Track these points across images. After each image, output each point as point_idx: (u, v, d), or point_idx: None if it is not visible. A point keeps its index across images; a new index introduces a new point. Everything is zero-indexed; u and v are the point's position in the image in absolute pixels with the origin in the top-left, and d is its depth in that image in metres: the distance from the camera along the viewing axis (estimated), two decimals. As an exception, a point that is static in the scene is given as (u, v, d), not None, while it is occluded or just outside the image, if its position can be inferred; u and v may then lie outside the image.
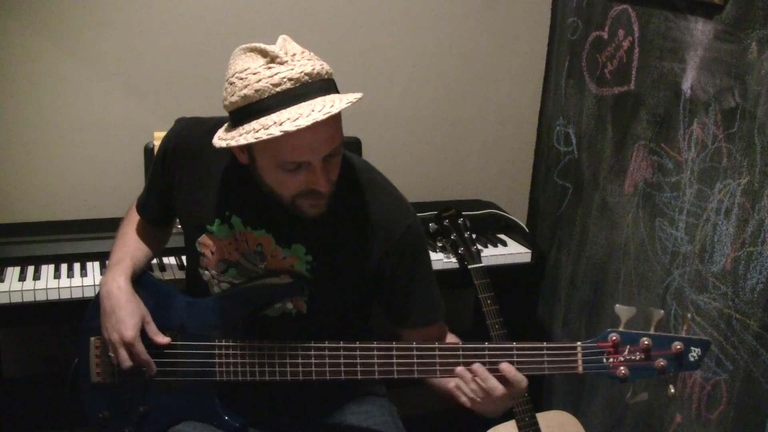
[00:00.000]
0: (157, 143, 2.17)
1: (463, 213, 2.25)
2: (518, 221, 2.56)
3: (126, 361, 1.53)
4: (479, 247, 2.23)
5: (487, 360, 1.44)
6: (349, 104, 1.31)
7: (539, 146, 2.75)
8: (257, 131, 1.29)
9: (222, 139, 1.36)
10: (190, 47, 2.28)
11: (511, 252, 2.39)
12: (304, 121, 1.26)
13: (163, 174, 1.62)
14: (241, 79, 1.31)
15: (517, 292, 2.50)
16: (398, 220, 1.55)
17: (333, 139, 1.36)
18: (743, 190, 1.81)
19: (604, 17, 2.30)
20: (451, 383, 1.47)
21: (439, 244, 2.27)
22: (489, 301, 2.07)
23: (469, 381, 1.43)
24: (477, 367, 1.43)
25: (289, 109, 1.29)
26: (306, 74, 1.30)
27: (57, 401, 2.15)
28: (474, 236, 2.22)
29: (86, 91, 2.23)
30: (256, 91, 1.30)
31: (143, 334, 1.54)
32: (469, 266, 2.15)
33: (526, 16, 2.58)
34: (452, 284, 2.25)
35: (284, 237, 1.53)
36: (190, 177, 1.57)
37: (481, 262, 2.16)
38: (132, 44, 2.23)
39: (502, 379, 1.42)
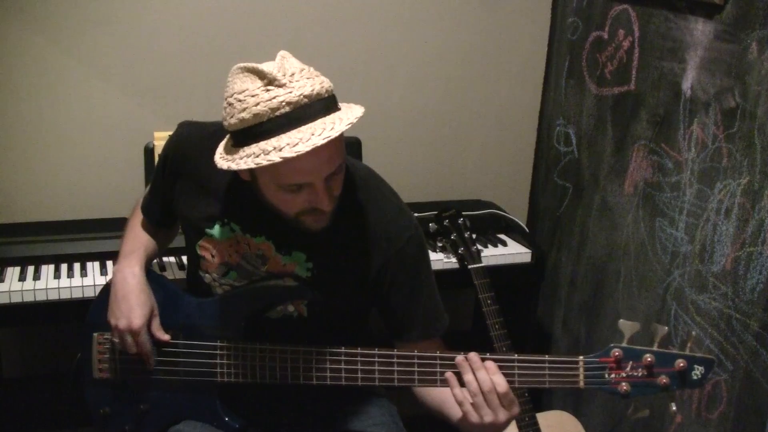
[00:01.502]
0: (157, 143, 2.17)
1: (463, 213, 2.25)
2: (518, 221, 2.56)
3: (131, 347, 1.53)
4: (479, 247, 2.23)
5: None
6: (349, 125, 1.29)
7: (539, 146, 2.74)
8: (257, 156, 1.28)
9: (223, 158, 1.36)
10: (190, 47, 2.28)
11: (511, 252, 2.39)
12: (303, 147, 1.25)
13: (164, 178, 1.62)
14: (240, 101, 1.29)
15: (517, 292, 2.50)
16: (400, 230, 1.54)
17: (334, 160, 1.35)
18: (743, 190, 1.81)
19: (604, 17, 2.30)
20: (453, 390, 1.43)
21: (439, 244, 2.26)
22: (489, 301, 2.07)
23: (467, 371, 1.40)
24: (472, 355, 1.41)
25: (288, 134, 1.27)
26: (305, 96, 1.28)
27: (57, 401, 2.16)
28: (474, 236, 2.21)
29: (86, 91, 2.23)
30: (255, 115, 1.27)
31: (147, 328, 1.54)
32: (469, 266, 2.14)
33: (526, 16, 2.58)
34: (452, 284, 2.24)
35: (284, 244, 1.53)
36: (191, 182, 1.57)
37: (481, 262, 2.16)
38: (132, 44, 2.23)
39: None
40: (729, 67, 1.84)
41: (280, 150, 1.26)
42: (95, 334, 1.61)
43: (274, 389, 1.59)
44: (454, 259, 2.22)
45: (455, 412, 1.46)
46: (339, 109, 1.35)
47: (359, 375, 1.48)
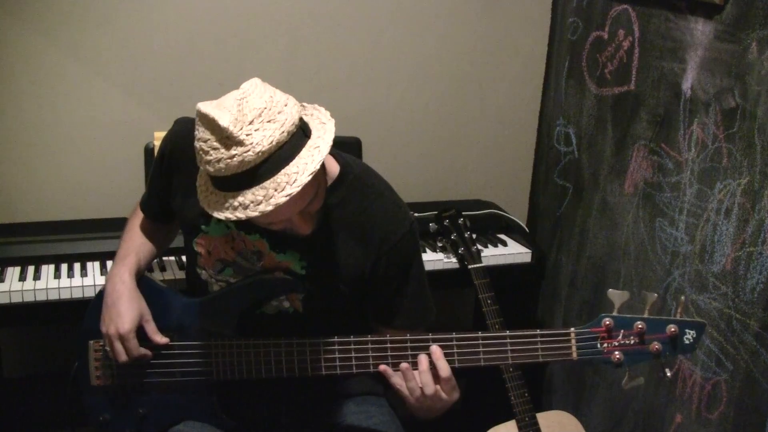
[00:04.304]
0: (157, 143, 2.17)
1: (463, 213, 2.25)
2: (518, 221, 2.56)
3: (121, 354, 1.53)
4: (479, 247, 2.23)
5: (481, 350, 1.45)
6: (311, 175, 1.29)
7: (539, 146, 2.74)
8: (226, 208, 1.31)
9: (200, 188, 1.39)
10: (191, 47, 2.28)
11: (511, 252, 2.39)
12: (266, 207, 1.28)
13: (161, 175, 1.63)
14: (204, 151, 1.30)
15: (517, 292, 2.50)
16: (395, 227, 1.55)
17: (303, 200, 1.36)
18: (743, 190, 1.81)
19: (604, 17, 2.30)
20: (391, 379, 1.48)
21: (439, 244, 2.27)
22: (489, 301, 2.07)
23: (410, 379, 1.44)
24: (422, 358, 1.44)
25: (252, 191, 1.28)
26: (263, 152, 1.27)
27: (57, 401, 2.16)
28: (474, 236, 2.22)
29: (86, 91, 2.23)
30: (217, 169, 1.29)
31: (143, 334, 1.55)
32: (469, 266, 2.15)
33: (526, 16, 2.58)
34: (452, 284, 2.25)
35: (279, 243, 1.54)
36: (187, 178, 1.57)
37: (481, 262, 2.16)
38: (132, 44, 2.23)
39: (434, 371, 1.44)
40: (729, 67, 1.84)
41: (246, 208, 1.29)
42: (91, 342, 1.61)
43: (274, 389, 1.59)
44: (454, 259, 2.22)
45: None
46: (307, 138, 1.34)
47: (353, 363, 1.49)
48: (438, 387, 1.44)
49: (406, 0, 2.44)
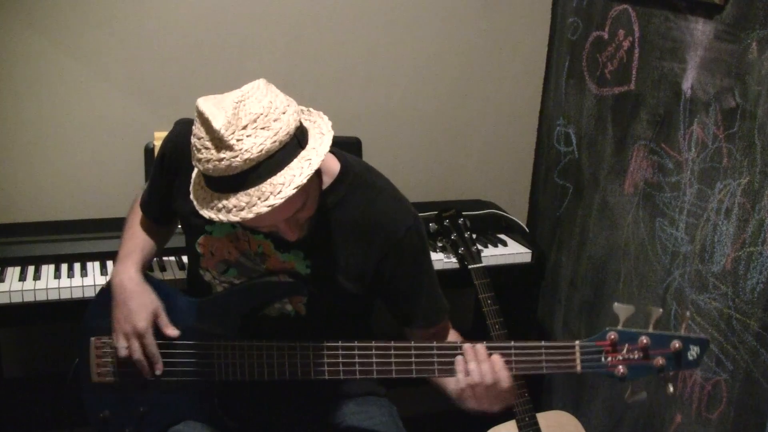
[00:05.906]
0: (157, 143, 2.17)
1: (463, 213, 2.25)
2: (518, 221, 2.56)
3: (137, 352, 1.53)
4: (479, 247, 2.23)
5: None
6: (296, 189, 1.28)
7: (539, 146, 2.75)
8: (212, 208, 1.32)
9: (193, 180, 1.40)
10: (190, 47, 2.28)
11: (511, 252, 2.39)
12: (247, 214, 1.28)
13: (162, 176, 1.63)
14: (197, 148, 1.30)
15: (517, 292, 2.50)
16: (398, 222, 1.55)
17: (288, 210, 1.35)
18: (743, 190, 1.81)
19: (604, 17, 2.30)
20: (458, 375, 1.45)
21: (439, 244, 2.27)
22: (489, 301, 2.07)
23: (471, 360, 1.42)
24: (480, 347, 1.43)
25: (237, 196, 1.29)
26: (252, 160, 1.26)
27: (57, 401, 2.16)
28: (474, 236, 2.22)
29: (86, 91, 2.23)
30: (206, 169, 1.30)
31: (154, 327, 1.55)
32: (469, 266, 2.15)
33: (526, 16, 2.58)
34: (452, 284, 2.24)
35: (283, 242, 1.54)
36: (188, 180, 1.57)
37: (481, 262, 2.16)
38: (132, 44, 2.23)
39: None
40: (729, 67, 1.84)
41: (229, 212, 1.29)
42: (93, 338, 1.61)
43: (274, 389, 1.59)
44: (454, 259, 2.22)
45: (452, 387, 1.47)
46: (301, 149, 1.32)
47: (357, 368, 1.49)
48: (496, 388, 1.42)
49: (407, 0, 2.44)
